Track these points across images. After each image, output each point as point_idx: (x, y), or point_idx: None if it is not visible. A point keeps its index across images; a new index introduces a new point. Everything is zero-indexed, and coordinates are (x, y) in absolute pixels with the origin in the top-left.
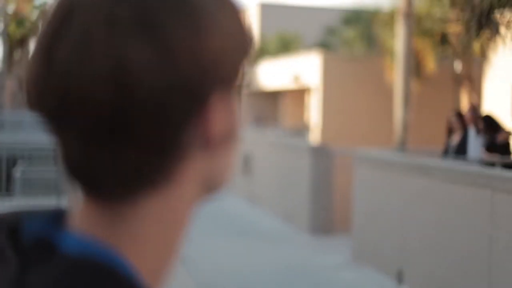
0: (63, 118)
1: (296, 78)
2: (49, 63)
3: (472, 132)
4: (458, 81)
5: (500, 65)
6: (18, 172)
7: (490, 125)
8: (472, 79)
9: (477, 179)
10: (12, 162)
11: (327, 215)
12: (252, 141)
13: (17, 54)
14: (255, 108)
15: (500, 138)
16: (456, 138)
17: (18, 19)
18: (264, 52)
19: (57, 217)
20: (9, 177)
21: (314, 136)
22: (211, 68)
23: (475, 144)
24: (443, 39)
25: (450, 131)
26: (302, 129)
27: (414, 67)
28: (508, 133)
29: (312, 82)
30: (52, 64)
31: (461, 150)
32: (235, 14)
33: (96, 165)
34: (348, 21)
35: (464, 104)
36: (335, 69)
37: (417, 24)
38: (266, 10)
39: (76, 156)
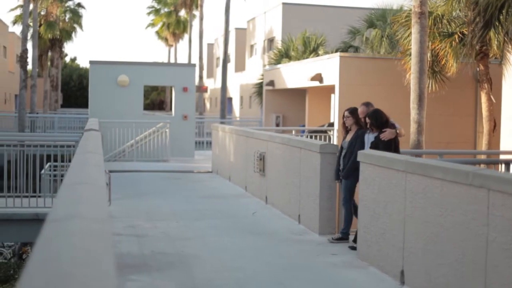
0: None
1: (314, 78)
2: None
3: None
4: (478, 81)
5: None
6: (47, 172)
7: (376, 122)
8: (490, 80)
9: (474, 179)
10: (42, 161)
11: (336, 215)
12: (267, 140)
13: (48, 56)
14: (281, 106)
15: (383, 135)
16: (350, 136)
17: (49, 21)
18: (288, 52)
19: None
20: (35, 177)
21: (335, 135)
22: None
23: (368, 141)
24: (462, 40)
25: (346, 129)
26: (327, 128)
27: (436, 67)
28: (394, 130)
29: (334, 82)
30: None
31: (353, 147)
32: None
33: None
34: (372, 21)
35: (485, 105)
36: (352, 70)
37: (436, 25)
38: (289, 10)
39: None
